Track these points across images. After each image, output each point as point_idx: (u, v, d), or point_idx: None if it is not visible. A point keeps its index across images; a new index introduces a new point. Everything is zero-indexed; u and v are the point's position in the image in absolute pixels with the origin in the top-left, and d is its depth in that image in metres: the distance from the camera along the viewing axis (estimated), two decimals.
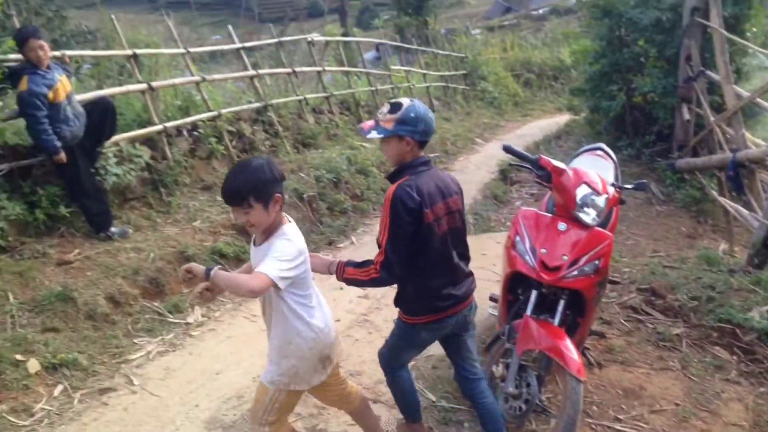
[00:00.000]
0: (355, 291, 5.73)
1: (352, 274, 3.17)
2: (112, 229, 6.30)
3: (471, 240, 6.97)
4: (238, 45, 10.08)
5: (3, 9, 5.72)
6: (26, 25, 6.31)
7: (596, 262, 3.51)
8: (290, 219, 3.01)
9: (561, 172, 3.65)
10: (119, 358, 4.93)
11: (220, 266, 2.85)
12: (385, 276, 3.05)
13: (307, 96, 11.35)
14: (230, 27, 10.52)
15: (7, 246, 5.69)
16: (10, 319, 4.97)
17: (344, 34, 21.97)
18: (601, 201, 3.62)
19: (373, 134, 3.08)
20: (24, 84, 5.63)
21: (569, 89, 13.73)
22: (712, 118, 8.93)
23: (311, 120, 11.03)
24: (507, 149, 3.88)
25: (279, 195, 2.84)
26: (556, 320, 3.57)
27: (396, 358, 3.45)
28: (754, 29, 9.87)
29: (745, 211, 7.49)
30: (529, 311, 3.58)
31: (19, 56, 5.78)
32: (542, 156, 3.73)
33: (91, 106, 6.30)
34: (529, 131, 15.76)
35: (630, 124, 10.62)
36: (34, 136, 5.79)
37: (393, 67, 16.31)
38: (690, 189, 9.50)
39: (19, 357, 4.64)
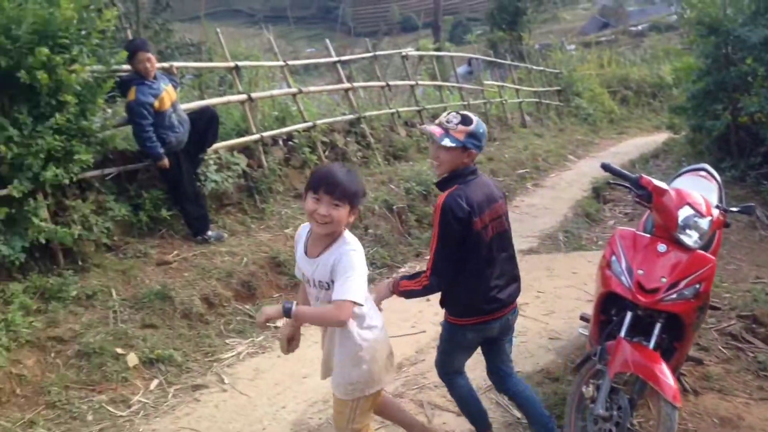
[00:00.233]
0: (412, 313, 5.74)
1: (406, 286, 3.31)
2: (209, 233, 6.52)
3: (561, 258, 6.98)
4: (335, 58, 10.29)
5: (117, 24, 6.02)
6: (135, 38, 6.65)
7: (697, 285, 3.39)
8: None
9: (663, 192, 3.54)
10: (211, 357, 5.09)
11: (295, 302, 2.86)
12: (434, 282, 3.18)
13: (400, 109, 11.45)
14: (327, 41, 10.76)
15: (112, 245, 5.98)
16: (113, 315, 5.21)
17: (437, 49, 22.05)
18: (704, 223, 3.49)
19: (447, 142, 3.14)
20: (132, 94, 5.93)
21: (669, 107, 13.30)
22: None
23: (403, 133, 11.12)
24: (606, 167, 3.80)
25: (359, 208, 2.90)
26: (652, 344, 3.45)
27: (449, 363, 3.53)
28: None
29: None
30: (623, 333, 3.48)
31: (128, 67, 6.08)
32: (643, 175, 3.63)
33: (196, 115, 6.58)
34: (625, 149, 15.38)
35: (735, 145, 10.18)
36: (140, 142, 6.09)
37: (486, 81, 16.23)
38: None
39: (119, 350, 4.86)
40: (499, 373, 3.61)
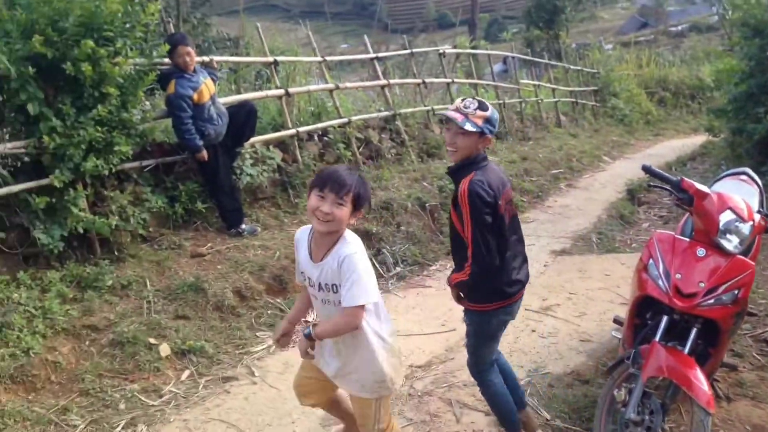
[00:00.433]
0: (442, 311, 5.75)
1: (456, 278, 3.36)
2: (243, 226, 6.57)
3: (594, 259, 6.93)
4: (372, 55, 10.30)
5: (158, 19, 6.11)
6: (175, 32, 6.74)
7: (735, 291, 3.34)
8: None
9: (704, 195, 3.49)
10: (242, 350, 5.13)
11: (311, 323, 2.95)
12: (476, 268, 3.20)
13: (435, 107, 11.43)
14: (366, 37, 10.77)
15: (147, 236, 6.06)
16: (147, 305, 5.29)
17: (473, 47, 21.96)
18: (745, 228, 3.44)
19: (468, 126, 3.17)
20: (171, 87, 6.01)
21: (708, 109, 13.07)
22: None
23: (437, 130, 11.08)
24: (646, 169, 3.75)
25: (362, 212, 2.91)
26: (687, 348, 3.42)
27: (481, 358, 3.56)
28: None
29: None
30: (658, 337, 3.44)
31: (167, 60, 6.15)
32: (684, 178, 3.58)
33: (235, 109, 6.64)
34: (661, 151, 15.17)
35: None
36: (179, 135, 6.16)
37: (522, 80, 16.12)
38: None
39: (152, 341, 4.93)
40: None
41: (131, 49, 5.49)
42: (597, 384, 4.31)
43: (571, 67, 19.67)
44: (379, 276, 6.76)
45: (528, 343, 5.06)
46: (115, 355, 4.74)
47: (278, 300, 5.86)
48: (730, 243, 3.42)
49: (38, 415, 4.11)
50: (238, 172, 6.89)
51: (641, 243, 7.71)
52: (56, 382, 4.46)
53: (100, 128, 5.28)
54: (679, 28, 45.77)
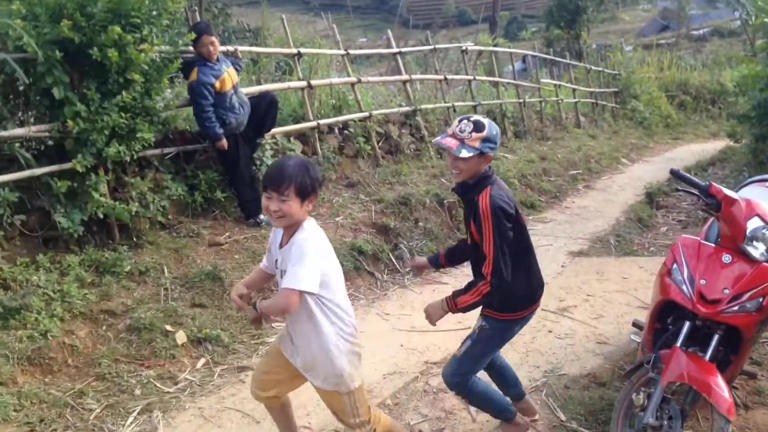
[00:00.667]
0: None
1: (465, 301, 3.28)
2: (261, 216, 6.57)
3: (612, 262, 6.90)
4: (395, 50, 10.27)
5: (184, 7, 6.12)
6: (200, 21, 6.75)
7: (760, 299, 3.29)
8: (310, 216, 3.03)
9: (732, 201, 3.45)
10: (257, 340, 5.14)
11: (261, 297, 2.96)
12: (496, 283, 3.17)
13: (456, 104, 11.38)
14: (389, 32, 10.74)
15: (166, 223, 6.08)
16: (164, 292, 5.31)
17: (494, 45, 21.88)
18: None
19: (464, 153, 3.15)
20: (194, 74, 6.03)
21: (729, 114, 12.97)
22: None
23: None
24: (674, 173, 3.71)
25: (315, 195, 2.91)
26: (708, 355, 3.38)
27: (477, 365, 3.52)
28: None
29: None
30: (679, 342, 3.41)
31: (190, 49, 6.17)
32: (713, 183, 3.54)
33: (257, 99, 6.64)
34: (680, 155, 15.08)
35: None
36: (200, 122, 6.18)
37: (543, 80, 16.04)
38: None
39: (168, 327, 4.95)
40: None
41: (157, 37, 5.50)
42: (614, 387, 4.29)
43: (593, 67, 19.55)
44: (395, 271, 6.76)
45: (544, 343, 5.04)
46: (131, 341, 4.76)
47: None
48: (757, 250, 3.38)
49: (55, 397, 4.13)
50: (258, 162, 6.90)
51: (659, 247, 7.66)
52: (73, 365, 4.49)
53: (123, 114, 5.29)
54: (701, 32, 45.44)
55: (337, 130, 8.58)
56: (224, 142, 6.20)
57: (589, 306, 5.77)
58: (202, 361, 4.83)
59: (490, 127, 3.20)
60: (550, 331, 5.27)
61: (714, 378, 3.20)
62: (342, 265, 6.16)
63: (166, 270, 5.54)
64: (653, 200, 9.90)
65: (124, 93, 5.27)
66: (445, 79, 11.37)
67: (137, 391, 4.35)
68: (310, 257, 2.82)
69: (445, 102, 11.19)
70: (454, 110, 11.24)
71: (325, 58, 9.73)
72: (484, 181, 3.23)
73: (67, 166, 5.22)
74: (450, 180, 8.75)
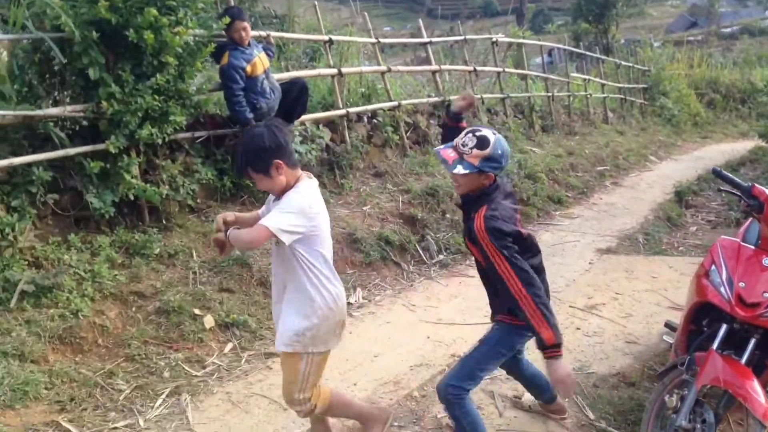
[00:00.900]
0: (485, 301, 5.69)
1: (542, 327, 3.00)
2: None
3: (641, 260, 6.82)
4: (426, 39, 10.21)
5: None
6: (233, 6, 6.73)
7: None
8: (311, 176, 3.07)
9: None
10: None
11: (237, 227, 3.00)
12: (533, 291, 3.00)
13: (484, 95, 11.30)
14: (420, 21, 10.69)
15: (195, 207, 6.09)
16: (192, 275, 5.33)
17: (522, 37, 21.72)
18: None
19: (459, 169, 3.04)
20: (225, 58, 6.02)
21: (758, 114, 12.77)
22: None
23: (484, 119, 10.97)
24: (717, 173, 3.66)
25: (278, 161, 2.89)
26: (744, 359, 3.34)
27: (482, 372, 3.37)
28: None
29: None
30: (715, 345, 3.36)
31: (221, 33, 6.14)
32: (756, 184, 3.48)
33: (287, 86, 6.62)
34: (709, 154, 14.88)
35: None
36: (230, 106, 6.17)
37: (572, 74, 15.88)
38: None
39: (197, 311, 4.97)
40: (517, 355, 3.66)
41: (192, 20, 5.49)
42: (643, 387, 4.25)
43: (624, 63, 19.32)
44: (421, 262, 6.73)
45: (572, 340, 4.99)
46: (160, 323, 4.79)
47: None
48: None
49: (85, 377, 4.17)
50: None
51: (689, 247, 7.57)
52: (103, 345, 4.52)
53: (157, 97, 5.29)
54: (731, 29, 44.78)
55: (365, 119, 8.56)
56: None
57: (618, 304, 5.71)
58: (230, 345, 4.85)
59: (496, 146, 3.05)
60: (578, 329, 5.22)
61: (750, 382, 3.15)
62: (369, 255, 6.26)
63: (194, 253, 5.56)
64: (682, 199, 9.77)
65: (158, 75, 5.27)
66: (475, 70, 11.28)
67: (166, 374, 4.38)
68: (291, 209, 2.87)
69: (474, 93, 11.10)
70: (483, 102, 11.16)
71: (355, 46, 9.69)
72: (484, 197, 3.12)
73: (100, 146, 5.24)
74: None
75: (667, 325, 4.66)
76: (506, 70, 12.92)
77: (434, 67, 10.08)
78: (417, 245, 6.86)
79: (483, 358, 3.34)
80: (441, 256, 6.86)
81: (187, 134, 6.01)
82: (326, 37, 7.87)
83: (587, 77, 16.52)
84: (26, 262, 4.73)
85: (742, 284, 3.34)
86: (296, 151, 6.92)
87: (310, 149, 7.13)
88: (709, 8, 48.41)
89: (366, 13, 9.89)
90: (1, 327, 4.23)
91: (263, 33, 6.70)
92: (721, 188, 3.86)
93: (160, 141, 5.50)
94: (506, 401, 4.15)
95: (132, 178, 5.33)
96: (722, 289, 3.40)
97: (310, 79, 7.84)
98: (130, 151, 5.39)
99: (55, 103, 5.34)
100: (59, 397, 3.95)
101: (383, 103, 8.72)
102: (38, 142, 5.19)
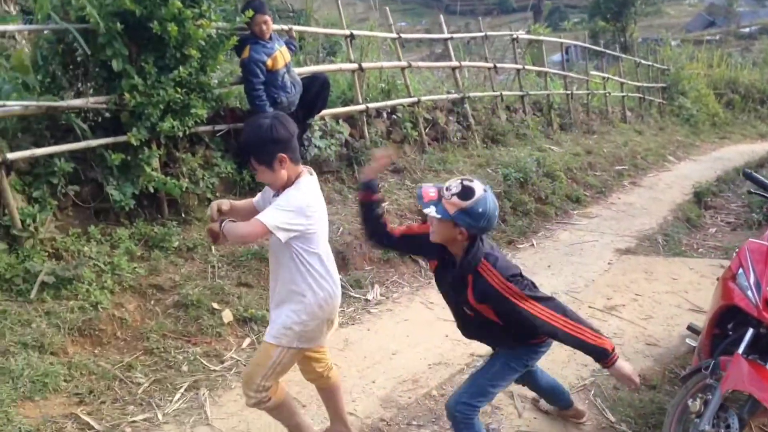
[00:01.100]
0: None
1: (597, 342, 3.01)
2: None
3: (661, 261, 6.74)
4: (446, 35, 10.17)
5: None
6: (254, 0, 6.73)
7: None
8: (312, 172, 3.03)
9: None
10: None
11: (232, 219, 2.95)
12: (570, 315, 2.95)
13: (504, 93, 11.25)
14: (441, 17, 10.65)
15: (214, 200, 6.07)
16: (211, 269, 5.32)
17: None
18: None
19: (431, 210, 2.79)
20: (246, 52, 6.00)
21: None
22: None
23: (503, 117, 10.93)
24: (747, 175, 3.60)
25: (283, 155, 2.86)
26: None
27: (495, 390, 3.27)
28: None
29: None
30: (741, 350, 3.31)
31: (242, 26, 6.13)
32: None
33: (308, 80, 6.60)
34: (727, 155, 14.74)
35: None
36: (251, 100, 6.15)
37: (592, 72, 15.78)
38: None
39: (215, 305, 4.96)
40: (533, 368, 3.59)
41: (215, 13, 5.48)
42: (664, 390, 4.20)
43: (643, 61, 19.17)
44: None
45: None
46: (179, 317, 4.79)
47: (339, 276, 5.82)
48: None
49: (104, 369, 4.17)
50: (307, 143, 6.88)
51: (708, 248, 7.50)
52: (122, 338, 4.52)
53: (179, 90, 5.29)
54: (749, 29, 44.38)
55: (385, 115, 8.53)
56: None
57: (638, 306, 5.65)
58: (248, 341, 4.84)
59: (479, 202, 2.76)
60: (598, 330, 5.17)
61: None
62: (386, 252, 6.18)
63: (213, 247, 5.54)
64: (701, 200, 9.69)
65: (180, 68, 5.27)
66: (495, 67, 11.23)
67: (184, 368, 4.37)
68: (290, 207, 2.84)
69: (493, 90, 11.06)
70: (502, 99, 11.11)
71: (375, 42, 9.66)
72: (478, 253, 2.88)
73: (121, 138, 5.24)
74: (495, 170, 8.66)
75: (690, 327, 4.60)
76: (526, 67, 12.85)
77: (454, 63, 10.05)
78: None
79: (496, 376, 3.23)
80: None
81: (208, 127, 6.01)
82: (347, 32, 7.85)
83: (606, 75, 16.40)
84: (46, 254, 4.75)
85: None
86: (316, 146, 6.92)
87: (330, 144, 7.11)
88: (728, 8, 48.03)
89: (387, 9, 9.86)
90: (21, 318, 4.24)
91: (285, 27, 6.67)
92: (752, 191, 3.80)
93: (180, 134, 5.50)
94: (525, 401, 4.12)
95: (152, 170, 5.34)
96: (749, 293, 3.35)
97: (329, 73, 7.83)
98: (150, 144, 5.40)
99: (78, 95, 5.35)
100: (78, 390, 3.95)
101: (403, 98, 8.70)
102: (60, 133, 5.21)
